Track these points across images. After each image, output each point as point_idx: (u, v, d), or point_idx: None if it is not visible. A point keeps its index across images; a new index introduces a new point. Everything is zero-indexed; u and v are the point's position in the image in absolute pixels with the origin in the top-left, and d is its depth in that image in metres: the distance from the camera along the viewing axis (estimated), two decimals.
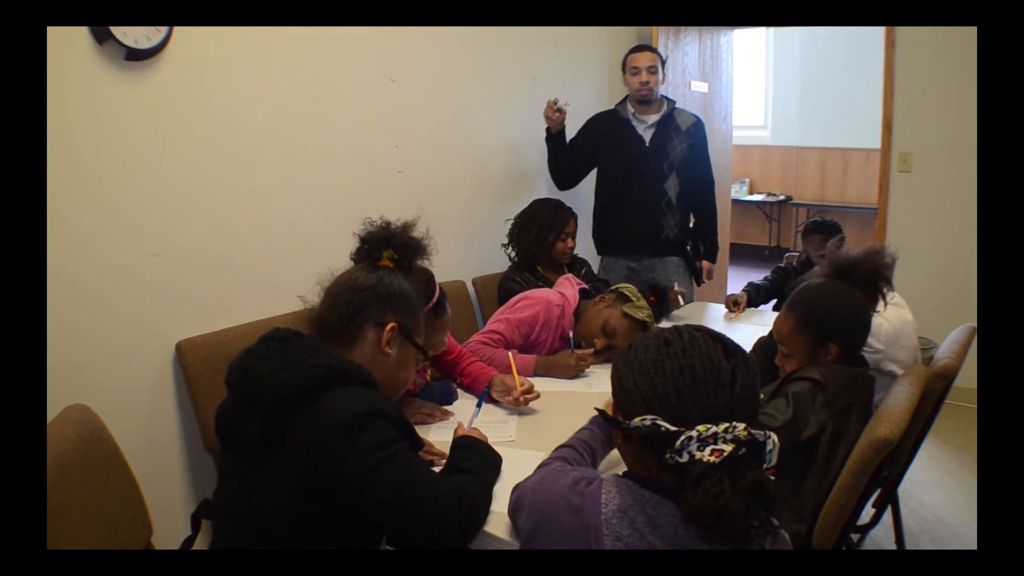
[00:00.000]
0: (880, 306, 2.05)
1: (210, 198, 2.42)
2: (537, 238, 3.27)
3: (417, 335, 1.63)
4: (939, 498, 3.21)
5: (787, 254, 4.18)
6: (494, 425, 2.12)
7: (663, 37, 4.33)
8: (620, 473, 1.20)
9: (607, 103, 4.32)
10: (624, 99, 3.70)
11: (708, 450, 1.03)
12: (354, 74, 2.87)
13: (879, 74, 7.60)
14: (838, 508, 1.70)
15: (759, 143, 8.98)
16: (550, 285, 3.03)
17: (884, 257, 2.03)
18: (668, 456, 1.05)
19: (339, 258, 2.80)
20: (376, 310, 1.56)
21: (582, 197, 3.78)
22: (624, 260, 3.73)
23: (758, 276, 4.13)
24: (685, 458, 1.04)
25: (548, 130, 3.66)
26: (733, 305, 3.56)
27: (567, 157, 3.70)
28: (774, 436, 1.07)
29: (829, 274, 2.07)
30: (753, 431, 1.05)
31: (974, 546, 2.78)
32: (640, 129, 3.63)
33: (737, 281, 5.89)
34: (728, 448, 1.03)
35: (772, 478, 1.05)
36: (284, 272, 2.69)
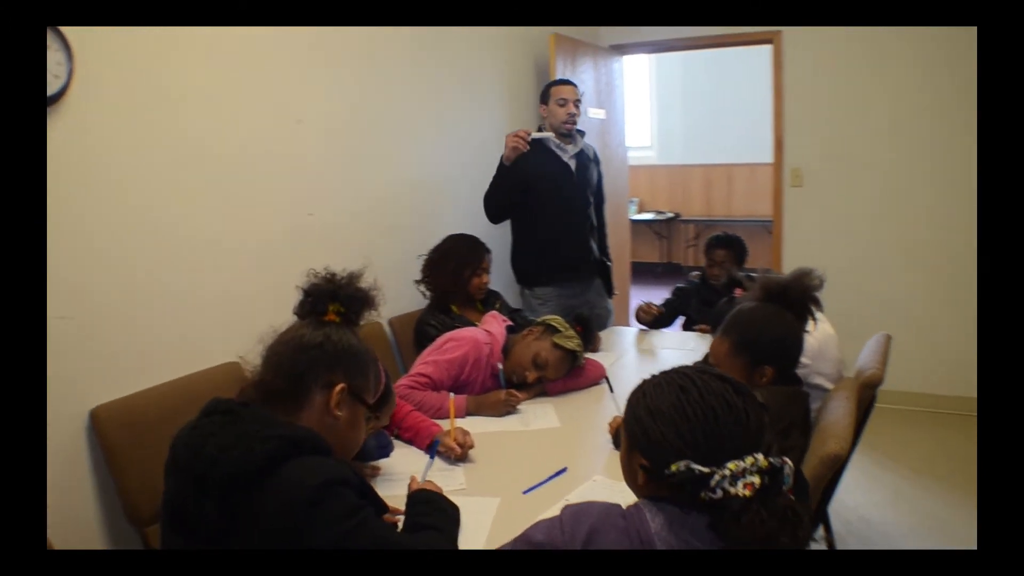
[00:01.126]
0: (810, 326, 2.12)
1: (115, 252, 2.29)
2: (454, 274, 3.24)
3: (367, 394, 1.55)
4: (860, 499, 3.35)
5: (691, 273, 4.28)
6: (441, 474, 2.08)
7: (560, 64, 4.40)
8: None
9: (506, 130, 4.34)
10: (540, 130, 3.74)
11: (740, 484, 1.10)
12: (260, 117, 2.79)
13: (755, 92, 7.98)
14: None
15: (646, 163, 9.23)
16: (465, 324, 3.01)
17: (813, 279, 2.11)
18: (703, 495, 1.12)
19: (255, 309, 2.75)
20: (324, 370, 1.47)
21: (495, 230, 3.77)
22: (557, 288, 3.74)
23: (654, 292, 4.26)
24: (719, 494, 1.11)
25: (503, 162, 3.59)
26: (646, 310, 3.67)
27: (510, 191, 3.64)
28: (788, 461, 1.14)
29: (760, 297, 2.13)
30: (771, 459, 1.12)
31: (901, 542, 2.98)
32: (565, 159, 3.70)
33: (639, 299, 6.02)
34: (757, 480, 1.10)
35: (792, 498, 1.13)
36: (199, 326, 2.57)
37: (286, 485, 1.27)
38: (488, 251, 3.33)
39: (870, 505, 3.33)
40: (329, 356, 1.48)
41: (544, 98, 3.74)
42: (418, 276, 3.33)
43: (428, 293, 3.30)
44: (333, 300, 1.61)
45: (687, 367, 1.26)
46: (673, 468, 1.13)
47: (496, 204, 3.68)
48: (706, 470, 1.11)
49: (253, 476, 1.27)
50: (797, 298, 2.10)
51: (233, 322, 2.70)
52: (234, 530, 1.27)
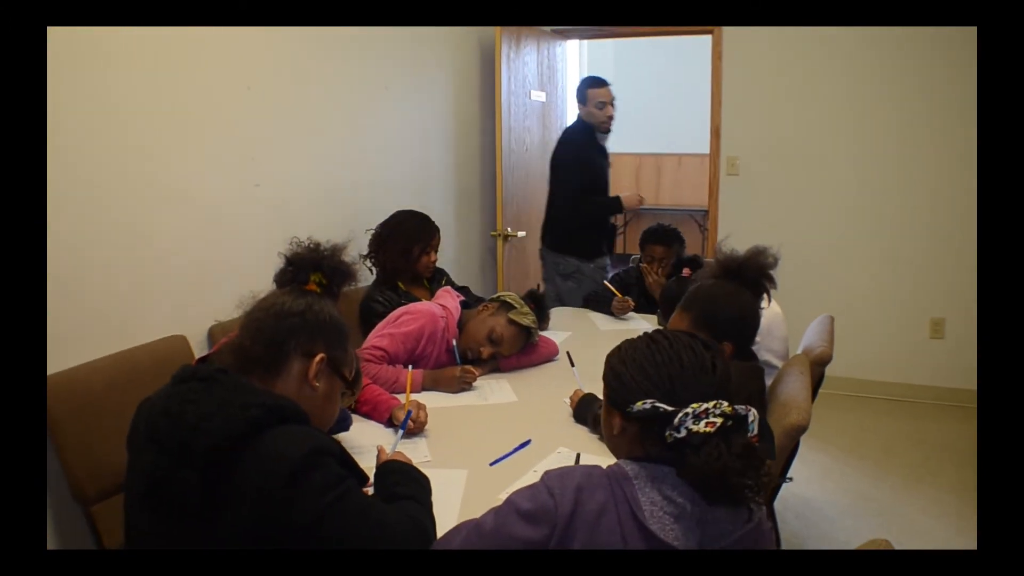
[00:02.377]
0: (764, 302, 2.19)
1: (53, 223, 2.17)
2: (404, 251, 3.22)
3: (345, 368, 1.53)
4: (793, 476, 3.47)
5: (632, 258, 4.34)
6: (403, 447, 2.07)
7: (505, 46, 4.39)
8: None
9: (452, 109, 4.36)
10: (582, 123, 4.27)
11: (703, 423, 1.17)
12: (208, 82, 2.70)
13: (687, 82, 8.11)
14: None
15: None
16: (413, 301, 3.00)
17: (768, 257, 2.18)
18: (668, 434, 1.19)
19: (200, 281, 2.68)
20: (305, 339, 1.45)
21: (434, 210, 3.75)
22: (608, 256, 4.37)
23: None
24: (683, 433, 1.18)
25: (619, 200, 4.21)
26: (624, 304, 3.64)
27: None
28: (754, 410, 1.21)
29: (718, 274, 2.18)
30: (736, 407, 1.20)
31: (831, 514, 3.13)
32: (606, 148, 4.34)
33: None
34: (719, 420, 1.17)
35: (756, 444, 1.21)
36: (142, 298, 2.50)
37: (271, 454, 1.25)
38: (438, 230, 3.33)
39: (802, 481, 3.47)
40: (311, 325, 1.46)
41: (582, 99, 4.22)
42: (362, 252, 3.31)
43: (375, 269, 3.28)
44: (316, 270, 1.58)
45: (661, 329, 1.36)
46: (638, 405, 1.22)
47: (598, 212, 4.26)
48: (670, 408, 1.20)
49: (237, 445, 1.24)
50: (753, 275, 2.17)
51: (178, 294, 2.63)
52: (217, 501, 1.24)
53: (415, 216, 3.31)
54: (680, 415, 1.18)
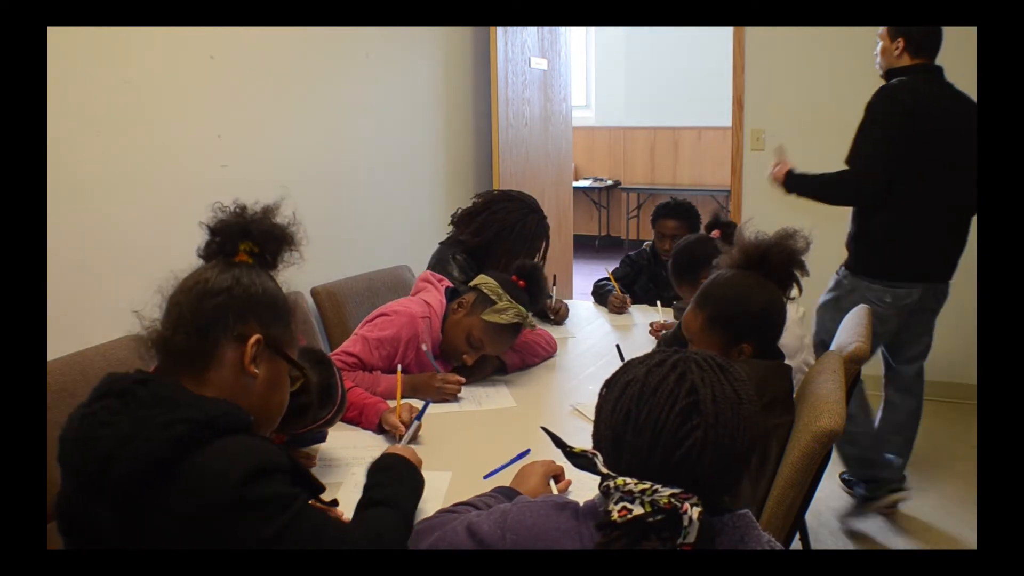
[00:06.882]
0: (794, 291, 2.18)
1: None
2: (511, 251, 3.16)
3: (289, 346, 1.48)
4: (828, 488, 3.47)
5: (645, 243, 4.34)
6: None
7: None
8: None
9: (441, 78, 4.35)
10: None
11: (619, 504, 1.08)
12: (166, 50, 2.71)
13: (707, 48, 8.09)
14: (784, 509, 1.80)
15: (583, 124, 9.29)
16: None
17: (798, 241, 2.15)
18: (600, 484, 1.14)
19: (158, 272, 2.65)
20: (234, 320, 1.39)
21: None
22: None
23: (592, 268, 4.29)
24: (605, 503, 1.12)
25: None
26: (622, 301, 3.70)
27: None
28: (694, 513, 1.07)
29: (739, 263, 2.16)
30: (678, 500, 1.06)
31: (871, 530, 3.13)
32: None
33: (580, 276, 6.10)
34: (639, 511, 1.07)
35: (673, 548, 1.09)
36: (95, 290, 2.52)
37: (206, 478, 1.21)
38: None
39: (838, 494, 3.47)
40: (239, 302, 1.41)
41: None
42: (339, 241, 3.40)
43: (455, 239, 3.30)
44: (244, 238, 1.52)
45: (670, 355, 1.21)
46: (577, 449, 1.19)
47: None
48: (603, 471, 1.14)
49: (157, 472, 1.19)
50: (780, 263, 2.14)
51: (135, 290, 2.61)
52: (137, 538, 1.21)
53: (539, 220, 3.28)
54: (604, 483, 1.12)
